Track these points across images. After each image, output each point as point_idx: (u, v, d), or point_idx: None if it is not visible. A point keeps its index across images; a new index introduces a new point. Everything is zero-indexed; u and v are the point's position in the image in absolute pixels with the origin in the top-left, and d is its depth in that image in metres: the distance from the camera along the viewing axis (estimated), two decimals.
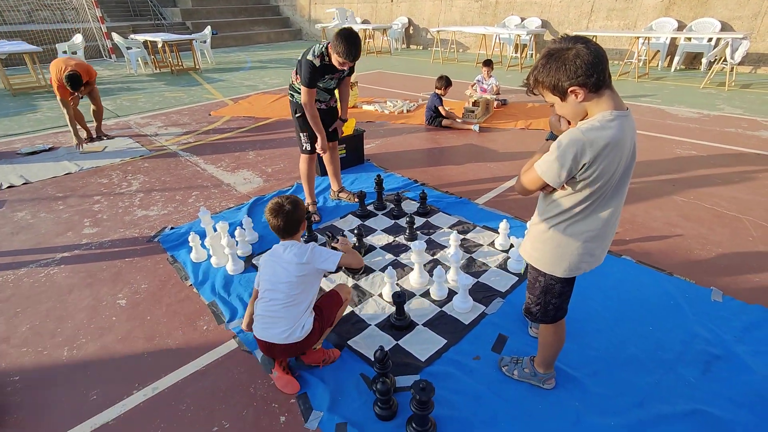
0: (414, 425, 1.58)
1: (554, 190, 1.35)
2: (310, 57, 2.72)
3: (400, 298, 2.08)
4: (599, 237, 1.38)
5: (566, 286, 1.51)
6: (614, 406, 1.69)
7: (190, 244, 2.71)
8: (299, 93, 2.94)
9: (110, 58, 12.29)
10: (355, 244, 2.72)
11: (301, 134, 3.10)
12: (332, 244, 2.15)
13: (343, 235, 2.88)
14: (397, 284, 2.46)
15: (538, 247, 1.47)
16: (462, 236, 2.90)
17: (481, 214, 3.21)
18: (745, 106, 5.87)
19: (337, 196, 3.54)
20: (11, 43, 9.51)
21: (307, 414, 1.71)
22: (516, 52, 10.27)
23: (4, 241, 3.08)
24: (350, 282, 2.49)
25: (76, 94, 4.77)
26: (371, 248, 2.83)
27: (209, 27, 11.64)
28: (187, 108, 6.72)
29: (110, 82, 9.04)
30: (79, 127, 5.15)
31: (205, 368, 1.95)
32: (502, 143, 4.80)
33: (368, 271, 2.60)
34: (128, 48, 10.10)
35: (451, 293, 2.34)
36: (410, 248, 2.77)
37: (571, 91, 1.20)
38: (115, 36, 10.36)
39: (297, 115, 3.05)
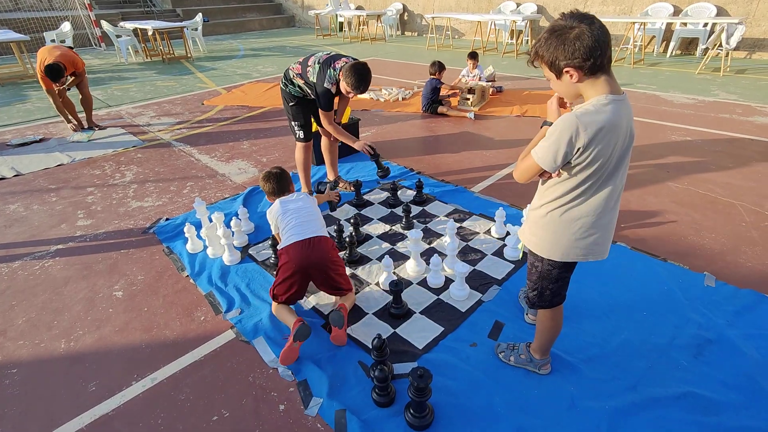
0: (412, 411, 1.60)
1: (551, 176, 1.35)
2: (326, 85, 2.74)
3: (398, 286, 2.09)
4: (598, 224, 1.37)
5: (564, 271, 1.52)
6: (608, 390, 1.72)
7: (186, 235, 2.70)
8: (293, 85, 2.95)
9: (100, 46, 12.06)
10: (338, 194, 2.89)
11: (293, 123, 3.09)
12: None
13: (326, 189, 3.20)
14: (394, 273, 2.47)
15: (536, 232, 1.47)
16: (458, 224, 2.91)
17: (477, 202, 3.22)
18: (740, 91, 5.88)
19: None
20: None
21: (307, 400, 1.72)
22: (512, 38, 10.19)
23: None
24: (347, 270, 2.50)
25: (63, 86, 4.69)
26: (368, 237, 2.83)
27: (200, 14, 11.42)
28: (180, 97, 6.64)
29: (100, 71, 8.89)
30: (70, 117, 5.10)
31: (204, 358, 1.96)
32: (498, 131, 4.78)
33: (365, 260, 2.60)
34: (118, 36, 9.92)
35: (448, 281, 2.35)
36: (407, 237, 2.78)
37: (566, 71, 1.21)
38: (104, 24, 10.15)
39: (290, 104, 3.03)
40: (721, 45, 6.78)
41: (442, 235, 2.82)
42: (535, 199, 1.49)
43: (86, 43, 12.24)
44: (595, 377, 1.77)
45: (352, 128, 4.14)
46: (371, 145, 2.95)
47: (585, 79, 1.21)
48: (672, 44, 8.49)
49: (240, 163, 4.14)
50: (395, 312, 2.14)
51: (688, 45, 8.68)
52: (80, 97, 5.12)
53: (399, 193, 3.35)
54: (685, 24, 8.17)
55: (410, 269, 2.47)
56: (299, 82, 2.90)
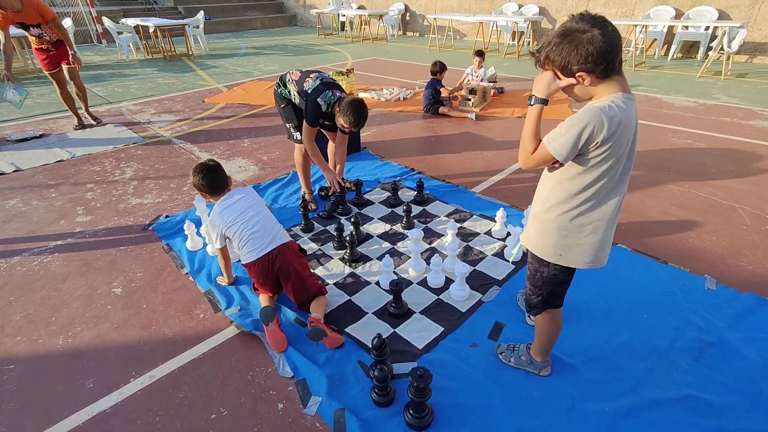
0: (411, 412, 1.59)
1: (560, 165, 1.31)
2: (320, 101, 2.72)
3: (398, 286, 2.09)
4: (606, 230, 1.36)
5: (569, 275, 1.51)
6: (608, 392, 1.71)
7: (186, 232, 2.70)
8: (285, 87, 2.97)
9: (101, 43, 12.05)
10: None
11: (288, 125, 3.10)
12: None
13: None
14: (395, 272, 2.46)
15: (545, 236, 1.43)
16: (459, 225, 2.90)
17: (478, 202, 3.21)
18: (741, 95, 5.88)
19: None
20: None
21: (306, 399, 1.72)
22: (513, 39, 10.19)
23: None
24: (347, 270, 2.49)
25: (35, 36, 4.34)
26: (368, 236, 2.82)
27: (202, 12, 11.41)
28: (181, 95, 6.62)
29: (101, 67, 8.87)
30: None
31: (202, 356, 1.95)
32: (499, 131, 4.78)
33: (365, 259, 2.60)
34: (119, 33, 9.90)
35: (448, 281, 2.35)
36: (407, 236, 2.78)
37: (578, 75, 1.20)
38: (106, 20, 10.12)
39: (282, 106, 3.04)
40: (722, 48, 6.78)
41: (443, 235, 2.81)
42: (542, 202, 1.43)
43: (87, 39, 12.22)
44: (595, 379, 1.77)
45: None
46: (341, 183, 3.01)
47: (598, 83, 1.21)
48: (673, 47, 8.49)
49: (240, 161, 4.13)
50: (395, 312, 2.13)
51: (690, 48, 8.69)
52: (75, 90, 5.04)
53: (400, 192, 3.34)
54: (686, 27, 8.18)
55: (410, 269, 2.46)
56: (292, 88, 2.91)
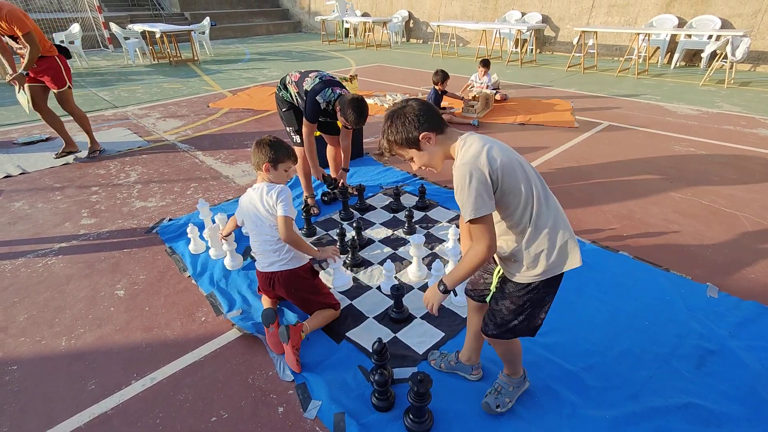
0: (411, 417, 1.59)
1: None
2: (319, 99, 2.75)
3: (399, 291, 2.09)
4: (559, 223, 1.31)
5: (552, 293, 1.41)
6: (609, 399, 1.71)
7: (189, 235, 2.71)
8: (286, 90, 3.00)
9: (108, 48, 12.19)
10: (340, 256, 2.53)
11: (288, 128, 3.13)
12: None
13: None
14: (396, 277, 2.47)
15: (519, 267, 1.35)
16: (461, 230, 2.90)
17: None
18: (744, 103, 5.88)
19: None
20: None
21: (306, 403, 1.72)
22: (516, 47, 10.24)
23: (2, 231, 3.07)
24: (348, 274, 2.50)
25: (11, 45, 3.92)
26: (370, 241, 2.83)
27: (208, 18, 11.55)
28: (186, 99, 6.69)
29: (108, 72, 8.97)
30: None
31: (203, 359, 1.96)
32: (501, 138, 4.71)
33: (367, 264, 2.60)
34: (126, 38, 10.02)
35: None
36: (409, 242, 2.78)
37: (422, 138, 1.30)
38: (113, 26, 10.27)
39: (283, 109, 3.07)
40: (725, 57, 6.79)
41: (444, 240, 2.82)
42: (505, 257, 1.38)
43: (95, 44, 12.36)
44: (595, 386, 1.76)
45: (356, 133, 4.15)
46: (326, 178, 3.03)
47: (443, 138, 1.33)
48: (676, 56, 8.51)
49: (244, 165, 4.16)
50: (396, 316, 2.13)
51: (693, 57, 8.71)
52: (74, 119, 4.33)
53: (402, 198, 3.36)
54: (689, 36, 8.20)
55: (412, 274, 2.46)
56: (292, 89, 2.94)
